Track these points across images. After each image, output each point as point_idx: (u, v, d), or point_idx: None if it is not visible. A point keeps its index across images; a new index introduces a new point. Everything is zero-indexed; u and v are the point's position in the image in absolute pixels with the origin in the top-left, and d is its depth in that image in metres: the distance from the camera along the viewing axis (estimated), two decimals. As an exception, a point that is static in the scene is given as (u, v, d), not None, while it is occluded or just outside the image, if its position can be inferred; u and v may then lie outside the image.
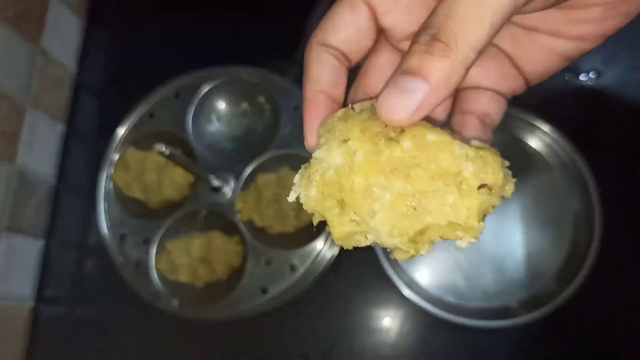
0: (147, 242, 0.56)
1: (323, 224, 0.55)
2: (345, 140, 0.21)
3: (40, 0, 0.62)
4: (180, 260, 0.54)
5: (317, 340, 0.55)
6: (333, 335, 0.55)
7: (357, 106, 0.23)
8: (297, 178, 0.23)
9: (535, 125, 0.55)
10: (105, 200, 0.59)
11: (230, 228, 0.55)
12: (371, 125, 0.21)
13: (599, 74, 0.59)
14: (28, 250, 0.60)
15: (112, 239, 0.58)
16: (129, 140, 0.60)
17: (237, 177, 0.55)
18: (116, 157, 0.60)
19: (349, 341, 0.55)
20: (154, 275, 0.55)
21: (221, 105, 0.61)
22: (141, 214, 0.59)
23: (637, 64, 0.58)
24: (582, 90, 0.59)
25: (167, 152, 0.44)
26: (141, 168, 0.58)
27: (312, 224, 0.58)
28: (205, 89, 0.59)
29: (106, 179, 0.60)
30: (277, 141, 0.55)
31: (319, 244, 0.51)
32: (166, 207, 0.59)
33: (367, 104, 0.23)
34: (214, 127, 0.60)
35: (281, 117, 0.56)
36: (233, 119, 0.60)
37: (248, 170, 0.55)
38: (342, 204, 0.22)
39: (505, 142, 0.57)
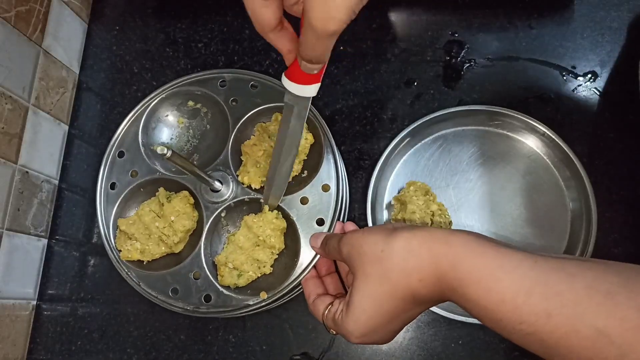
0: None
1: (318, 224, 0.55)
2: None
3: (43, 2, 0.63)
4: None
5: (317, 338, 0.56)
6: (332, 334, 0.55)
7: None
8: None
9: (531, 124, 0.55)
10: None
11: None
12: None
13: (595, 74, 0.59)
14: (30, 250, 0.61)
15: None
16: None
17: (235, 179, 0.56)
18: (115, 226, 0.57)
19: (347, 340, 0.55)
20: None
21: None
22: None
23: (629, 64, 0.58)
24: (578, 91, 0.59)
25: (169, 154, 0.43)
26: (143, 226, 0.56)
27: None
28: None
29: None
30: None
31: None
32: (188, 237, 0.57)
33: None
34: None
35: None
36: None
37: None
38: None
39: (502, 142, 0.57)
